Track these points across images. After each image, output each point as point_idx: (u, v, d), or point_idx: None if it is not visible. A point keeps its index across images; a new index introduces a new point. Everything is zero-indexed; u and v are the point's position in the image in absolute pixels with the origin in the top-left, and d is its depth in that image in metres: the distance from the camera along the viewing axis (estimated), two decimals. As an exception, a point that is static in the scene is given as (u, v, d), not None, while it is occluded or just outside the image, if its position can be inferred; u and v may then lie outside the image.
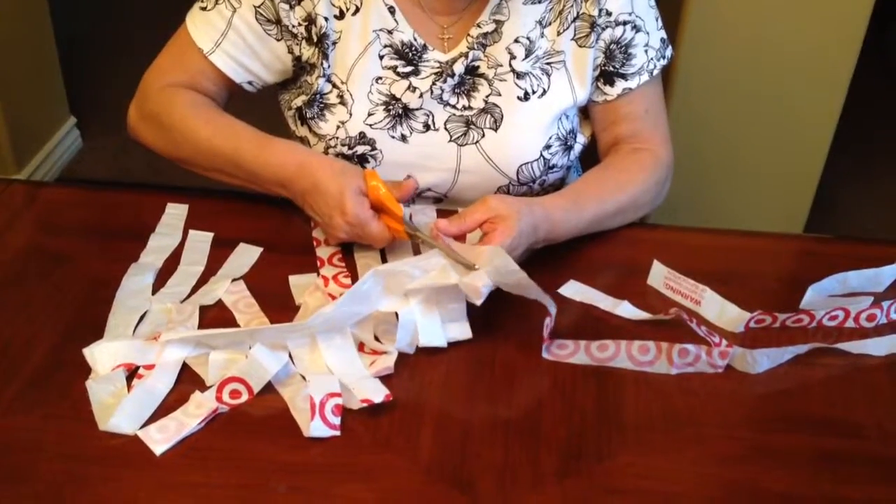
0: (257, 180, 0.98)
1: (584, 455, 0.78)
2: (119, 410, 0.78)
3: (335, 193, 0.92)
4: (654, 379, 0.85)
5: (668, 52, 1.08)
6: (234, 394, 0.81)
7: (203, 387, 0.82)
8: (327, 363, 0.84)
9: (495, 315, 0.90)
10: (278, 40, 1.03)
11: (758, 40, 1.75)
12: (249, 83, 1.07)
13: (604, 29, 1.04)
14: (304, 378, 0.83)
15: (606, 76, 1.06)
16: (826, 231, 2.16)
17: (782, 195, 1.95)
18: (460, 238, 0.92)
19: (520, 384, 0.85)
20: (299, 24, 1.02)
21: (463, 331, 0.88)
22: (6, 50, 2.15)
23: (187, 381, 0.83)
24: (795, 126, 1.85)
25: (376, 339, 0.87)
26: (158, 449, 0.76)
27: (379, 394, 0.80)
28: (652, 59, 1.06)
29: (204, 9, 1.04)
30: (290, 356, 0.84)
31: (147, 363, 0.83)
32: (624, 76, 1.06)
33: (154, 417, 0.79)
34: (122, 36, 3.02)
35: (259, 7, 1.02)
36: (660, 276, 0.96)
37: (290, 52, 1.04)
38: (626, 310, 0.92)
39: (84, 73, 2.75)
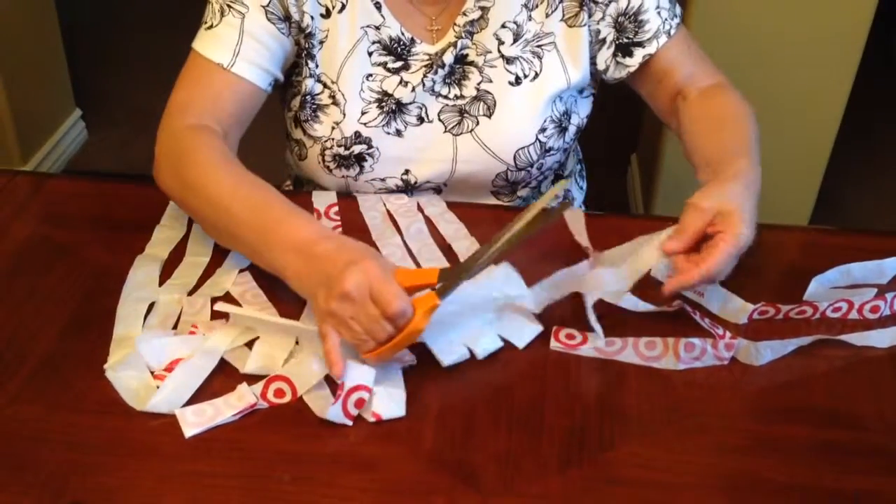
0: (267, 240, 0.86)
1: (587, 445, 0.78)
2: (161, 390, 0.79)
3: (356, 251, 0.81)
4: (657, 370, 0.86)
5: (678, 9, 1.07)
6: (279, 393, 0.81)
7: (251, 380, 0.82)
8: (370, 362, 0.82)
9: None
10: (287, 36, 1.03)
11: (762, 36, 1.75)
12: (270, 84, 1.04)
13: (607, 4, 1.03)
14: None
15: (623, 48, 1.05)
16: (831, 224, 2.15)
17: (787, 189, 1.94)
18: (691, 251, 0.87)
19: (522, 374, 0.85)
20: (302, 18, 1.02)
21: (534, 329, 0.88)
22: (12, 42, 2.16)
23: (236, 372, 0.83)
24: (800, 120, 1.84)
25: None
26: (189, 432, 0.77)
27: (395, 410, 0.80)
28: (666, 19, 1.04)
29: (210, 27, 1.00)
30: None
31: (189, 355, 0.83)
32: (640, 44, 1.05)
33: (195, 401, 0.80)
34: (128, 29, 3.02)
35: (267, 6, 1.00)
36: (663, 267, 0.96)
37: (298, 44, 1.04)
38: (630, 302, 0.92)
39: (89, 65, 2.76)
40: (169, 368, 0.82)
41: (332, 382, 0.81)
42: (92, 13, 3.08)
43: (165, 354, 0.83)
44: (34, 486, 0.73)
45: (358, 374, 0.79)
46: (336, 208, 1.04)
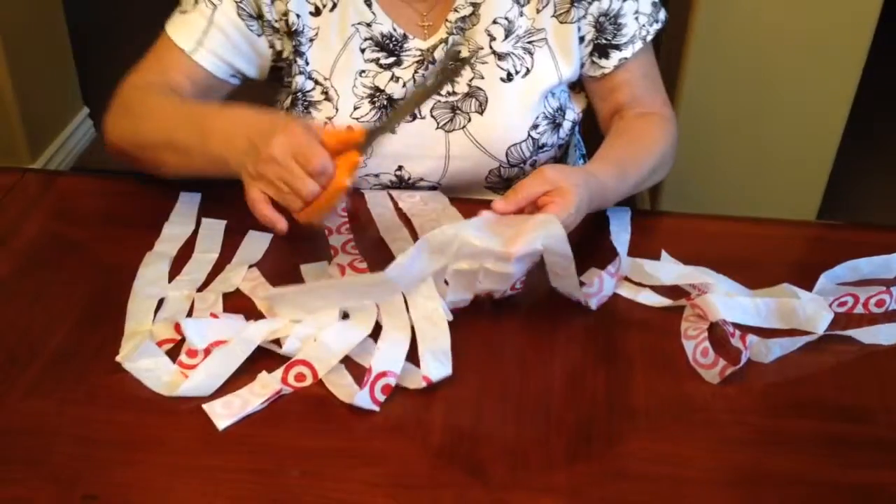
0: (205, 135, 0.91)
1: (595, 439, 0.78)
2: (194, 375, 0.80)
3: (280, 119, 0.88)
4: (665, 364, 0.86)
5: (662, 14, 1.07)
6: (299, 377, 0.82)
7: (271, 367, 0.83)
8: (413, 320, 0.84)
9: (506, 299, 0.91)
10: (259, 35, 1.04)
11: (770, 26, 1.74)
12: (233, 76, 1.07)
13: (590, 3, 1.03)
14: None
15: (600, 49, 1.06)
16: (838, 219, 2.15)
17: (794, 184, 1.94)
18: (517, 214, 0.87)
19: (530, 368, 0.85)
20: (279, 19, 1.03)
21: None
22: (20, 41, 2.17)
23: (257, 361, 0.83)
24: (808, 113, 1.84)
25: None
26: (221, 423, 0.78)
27: (442, 370, 0.81)
28: (644, 25, 1.05)
29: (184, 12, 1.03)
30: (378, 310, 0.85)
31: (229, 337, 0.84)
32: (618, 47, 1.05)
33: (221, 394, 0.80)
34: (135, 25, 3.02)
35: (240, 3, 1.02)
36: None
37: (272, 46, 1.05)
38: (647, 297, 0.93)
39: (97, 63, 2.76)
40: (207, 350, 0.82)
41: (352, 369, 0.82)
42: (99, 11, 3.09)
43: (209, 335, 0.84)
44: (47, 480, 0.73)
45: (386, 359, 0.81)
46: (343, 204, 1.04)
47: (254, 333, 0.84)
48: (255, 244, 0.99)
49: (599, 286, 0.91)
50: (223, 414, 0.79)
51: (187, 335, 0.83)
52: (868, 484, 0.76)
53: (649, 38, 1.06)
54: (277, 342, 0.85)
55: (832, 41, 1.74)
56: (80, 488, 0.73)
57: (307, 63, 1.05)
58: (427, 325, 0.84)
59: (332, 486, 0.74)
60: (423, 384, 0.81)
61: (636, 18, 1.05)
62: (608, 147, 1.03)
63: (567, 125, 1.10)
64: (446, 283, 0.86)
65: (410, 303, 0.86)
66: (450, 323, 0.87)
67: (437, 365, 0.82)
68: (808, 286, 0.92)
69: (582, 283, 0.91)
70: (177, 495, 0.73)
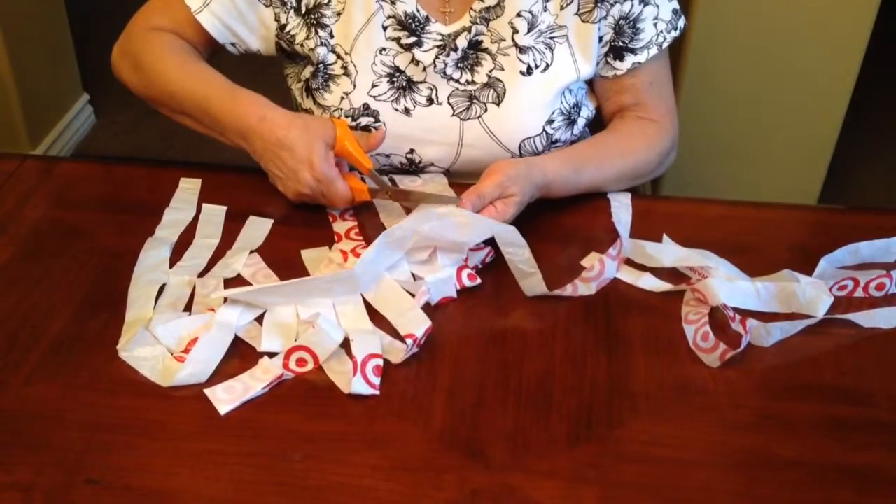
0: (221, 128, 1.00)
1: (595, 423, 0.78)
2: (187, 364, 0.80)
3: (303, 148, 0.95)
4: (665, 348, 0.86)
5: (681, 22, 1.07)
6: (301, 362, 0.82)
7: (272, 353, 0.83)
8: (377, 307, 0.87)
9: (507, 284, 0.91)
10: (267, 6, 1.05)
11: (772, 10, 1.74)
12: (233, 45, 1.08)
13: (612, 5, 1.03)
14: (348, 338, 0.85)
15: (616, 51, 1.06)
16: (839, 203, 2.15)
17: (796, 167, 1.94)
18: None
19: (531, 352, 0.85)
20: None
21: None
22: (20, 27, 2.16)
23: (252, 351, 0.84)
24: (809, 97, 1.84)
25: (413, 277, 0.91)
26: (223, 408, 0.78)
27: (421, 326, 0.83)
28: (661, 31, 1.05)
29: None
30: (336, 312, 0.87)
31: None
32: (633, 50, 1.05)
33: (221, 379, 0.81)
34: (135, 12, 3.01)
35: None
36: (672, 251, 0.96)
37: (277, 19, 1.05)
38: (648, 282, 0.93)
39: (97, 49, 2.75)
40: (187, 349, 0.83)
41: (353, 356, 0.82)
42: (98, -3, 3.08)
43: (181, 335, 0.84)
44: (49, 464, 0.74)
45: (366, 344, 0.82)
46: None
47: (228, 316, 0.85)
48: (255, 230, 0.99)
49: (600, 269, 0.91)
50: (225, 399, 0.79)
51: (161, 339, 0.84)
52: (868, 466, 0.76)
53: (665, 44, 1.06)
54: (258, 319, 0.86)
55: (834, 25, 1.74)
56: (82, 472, 0.73)
57: (331, 36, 1.05)
58: (392, 303, 0.87)
59: (334, 469, 0.74)
60: (410, 342, 0.82)
61: (655, 24, 1.05)
62: (581, 144, 1.07)
63: (581, 122, 1.10)
64: (414, 276, 0.91)
65: (372, 299, 0.88)
66: (450, 304, 0.88)
67: (414, 322, 0.84)
68: (809, 270, 0.92)
69: (583, 268, 0.91)
70: (179, 479, 0.73)
